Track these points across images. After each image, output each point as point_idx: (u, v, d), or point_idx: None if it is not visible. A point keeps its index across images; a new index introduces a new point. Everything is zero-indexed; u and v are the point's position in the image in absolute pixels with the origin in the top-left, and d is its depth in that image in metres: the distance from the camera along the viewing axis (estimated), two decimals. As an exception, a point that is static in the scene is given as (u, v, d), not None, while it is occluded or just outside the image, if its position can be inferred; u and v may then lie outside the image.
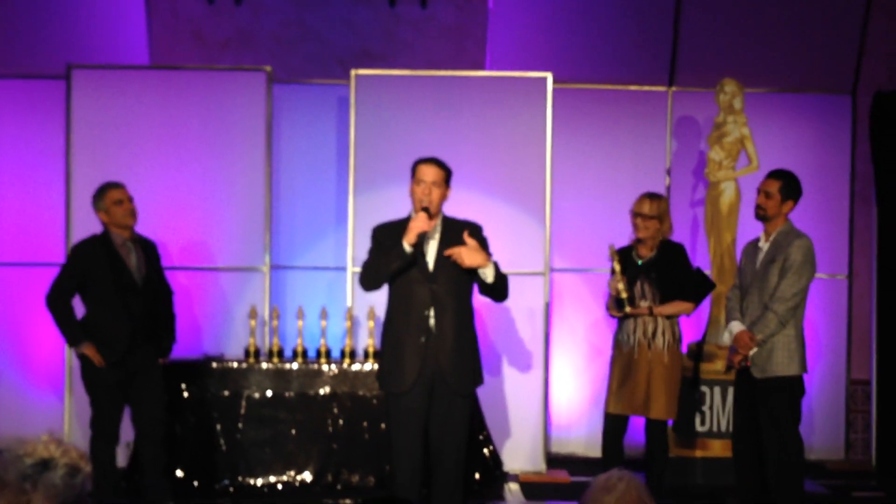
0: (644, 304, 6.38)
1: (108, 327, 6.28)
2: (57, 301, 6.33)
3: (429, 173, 5.55)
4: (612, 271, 6.39)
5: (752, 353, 5.99)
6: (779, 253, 5.98)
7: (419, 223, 5.43)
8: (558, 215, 8.27)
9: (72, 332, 6.33)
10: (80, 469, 2.34)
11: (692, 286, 6.42)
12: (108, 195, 6.36)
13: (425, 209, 5.47)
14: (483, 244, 5.62)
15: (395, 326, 5.62)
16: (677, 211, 6.60)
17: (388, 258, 5.49)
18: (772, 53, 8.44)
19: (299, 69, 8.52)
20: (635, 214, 6.45)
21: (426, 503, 5.95)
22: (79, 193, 7.54)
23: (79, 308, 6.46)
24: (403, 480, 5.54)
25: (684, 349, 7.51)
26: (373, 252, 5.64)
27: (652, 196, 6.51)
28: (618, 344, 6.52)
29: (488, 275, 5.51)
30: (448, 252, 5.44)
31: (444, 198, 5.60)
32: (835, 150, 8.57)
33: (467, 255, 5.43)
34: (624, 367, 6.44)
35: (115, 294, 6.28)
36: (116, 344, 6.27)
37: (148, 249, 6.53)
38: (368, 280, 5.62)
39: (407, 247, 5.42)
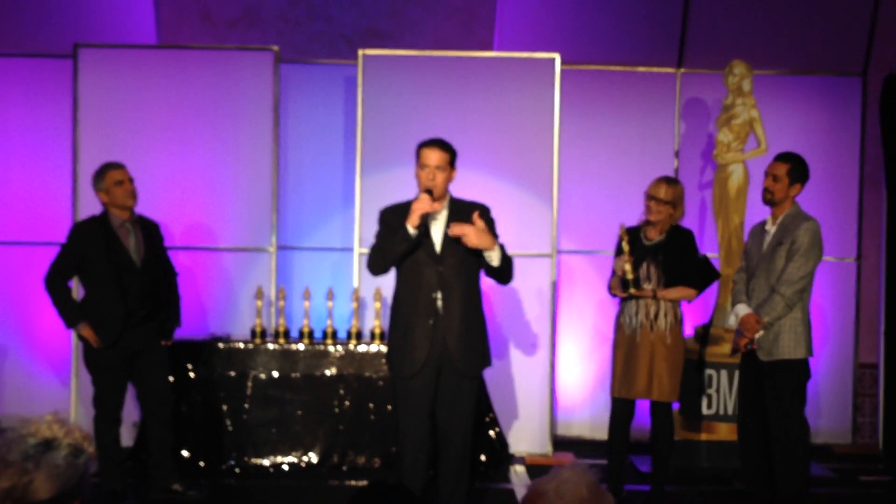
0: (648, 286, 6.36)
1: (104, 308, 6.28)
2: (54, 282, 6.33)
3: (432, 157, 5.51)
4: (620, 251, 6.36)
5: (758, 336, 5.97)
6: (786, 236, 5.96)
7: (422, 204, 5.40)
8: (566, 196, 8.26)
9: (68, 312, 6.33)
10: (83, 450, 2.33)
11: (697, 273, 6.40)
12: (108, 175, 6.35)
13: (428, 191, 5.45)
14: (490, 225, 5.60)
15: (403, 309, 5.60)
16: (685, 193, 6.57)
17: (392, 241, 5.47)
18: (781, 35, 8.40)
19: (305, 48, 8.50)
20: (650, 197, 6.40)
21: (432, 485, 5.95)
22: (85, 172, 7.52)
23: (81, 290, 6.48)
24: (410, 462, 5.55)
25: (689, 332, 7.50)
26: (381, 235, 5.62)
27: (669, 181, 6.46)
28: (620, 326, 6.50)
29: (493, 258, 5.49)
30: (453, 228, 5.41)
31: (449, 180, 5.57)
32: (845, 133, 8.54)
33: (474, 235, 5.40)
34: (627, 349, 6.42)
35: (111, 275, 6.28)
36: (112, 325, 6.27)
37: (150, 230, 6.52)
38: (375, 264, 5.59)
39: (410, 229, 5.40)
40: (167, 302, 6.57)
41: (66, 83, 7.92)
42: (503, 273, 5.60)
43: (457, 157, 5.61)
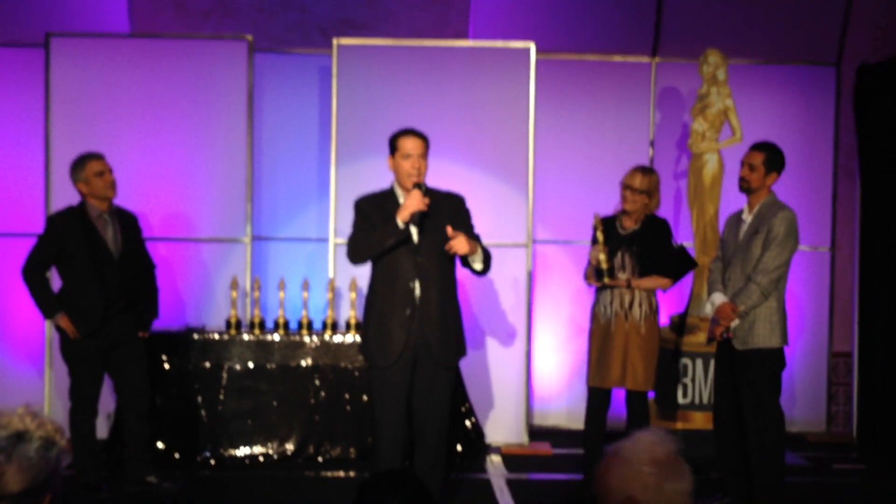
0: (623, 275, 6.37)
1: (83, 299, 6.25)
2: (32, 273, 6.28)
3: (417, 146, 5.49)
4: (595, 241, 6.37)
5: (733, 324, 5.98)
6: (762, 225, 5.97)
7: (415, 201, 5.38)
8: (541, 186, 8.26)
9: (47, 303, 6.29)
10: (54, 442, 2.31)
11: (672, 262, 6.41)
12: (88, 166, 6.30)
13: (417, 185, 5.43)
14: (466, 215, 5.60)
15: (379, 299, 5.58)
16: (660, 182, 6.58)
17: (382, 235, 5.43)
18: (756, 24, 8.42)
19: (280, 37, 8.46)
20: (625, 187, 6.41)
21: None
22: (58, 163, 7.48)
23: (56, 280, 6.45)
24: (386, 453, 5.53)
25: (664, 321, 7.51)
26: (359, 225, 5.58)
27: (644, 170, 6.47)
28: (595, 316, 6.51)
29: (477, 260, 5.50)
30: (450, 231, 5.39)
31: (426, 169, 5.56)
32: (819, 123, 8.57)
33: (465, 244, 5.38)
34: (602, 339, 6.43)
35: (90, 266, 6.24)
36: (91, 316, 6.23)
37: (127, 222, 6.48)
38: (359, 254, 5.55)
39: (401, 224, 5.38)
40: (145, 293, 6.53)
41: (38, 73, 7.86)
42: (482, 270, 5.60)
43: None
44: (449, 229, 5.41)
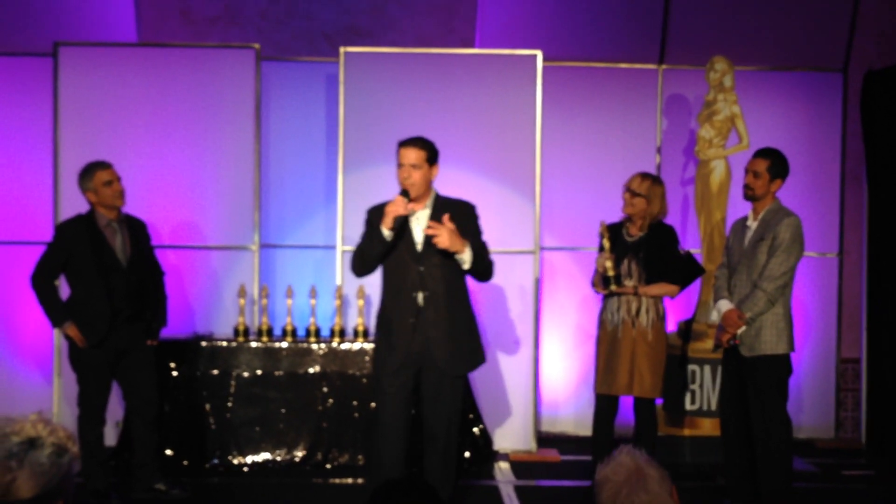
0: (629, 283, 6.37)
1: (90, 308, 6.26)
2: (41, 281, 6.30)
3: (408, 156, 5.50)
4: (601, 248, 6.37)
5: (740, 331, 5.98)
6: (767, 231, 5.98)
7: (396, 207, 5.40)
8: (548, 193, 8.26)
9: (55, 312, 6.30)
10: (66, 449, 2.33)
11: (678, 269, 6.41)
12: (97, 176, 6.31)
13: (403, 192, 5.44)
14: (475, 223, 5.60)
15: (386, 308, 5.62)
16: (667, 189, 6.58)
17: (370, 245, 5.48)
18: (762, 31, 8.43)
19: (286, 45, 8.48)
20: (625, 189, 6.45)
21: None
22: (66, 171, 7.50)
23: (65, 289, 6.47)
24: (386, 460, 5.53)
25: (671, 328, 7.51)
26: (365, 234, 5.62)
27: (644, 175, 6.49)
28: (602, 323, 6.52)
29: (465, 261, 5.48)
30: (429, 228, 5.41)
31: (429, 177, 5.55)
32: (826, 129, 8.57)
33: (446, 237, 5.38)
34: (609, 346, 6.44)
35: (97, 274, 6.25)
36: (99, 324, 6.24)
37: (136, 229, 6.49)
38: (356, 265, 5.61)
39: (385, 231, 5.40)
40: (154, 301, 6.54)
41: (47, 82, 7.88)
42: (478, 273, 5.61)
43: (438, 155, 5.60)
44: (428, 222, 5.43)
